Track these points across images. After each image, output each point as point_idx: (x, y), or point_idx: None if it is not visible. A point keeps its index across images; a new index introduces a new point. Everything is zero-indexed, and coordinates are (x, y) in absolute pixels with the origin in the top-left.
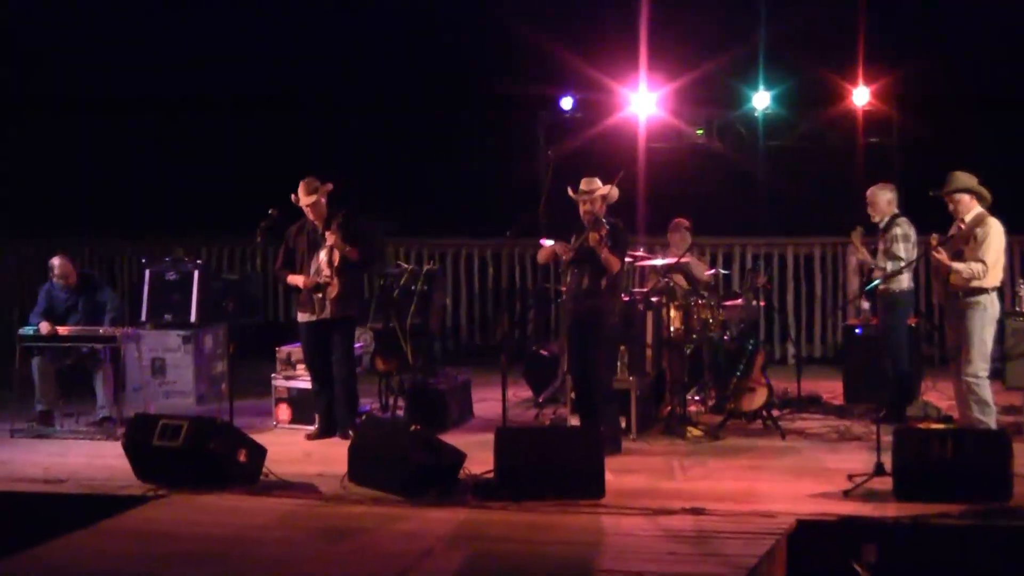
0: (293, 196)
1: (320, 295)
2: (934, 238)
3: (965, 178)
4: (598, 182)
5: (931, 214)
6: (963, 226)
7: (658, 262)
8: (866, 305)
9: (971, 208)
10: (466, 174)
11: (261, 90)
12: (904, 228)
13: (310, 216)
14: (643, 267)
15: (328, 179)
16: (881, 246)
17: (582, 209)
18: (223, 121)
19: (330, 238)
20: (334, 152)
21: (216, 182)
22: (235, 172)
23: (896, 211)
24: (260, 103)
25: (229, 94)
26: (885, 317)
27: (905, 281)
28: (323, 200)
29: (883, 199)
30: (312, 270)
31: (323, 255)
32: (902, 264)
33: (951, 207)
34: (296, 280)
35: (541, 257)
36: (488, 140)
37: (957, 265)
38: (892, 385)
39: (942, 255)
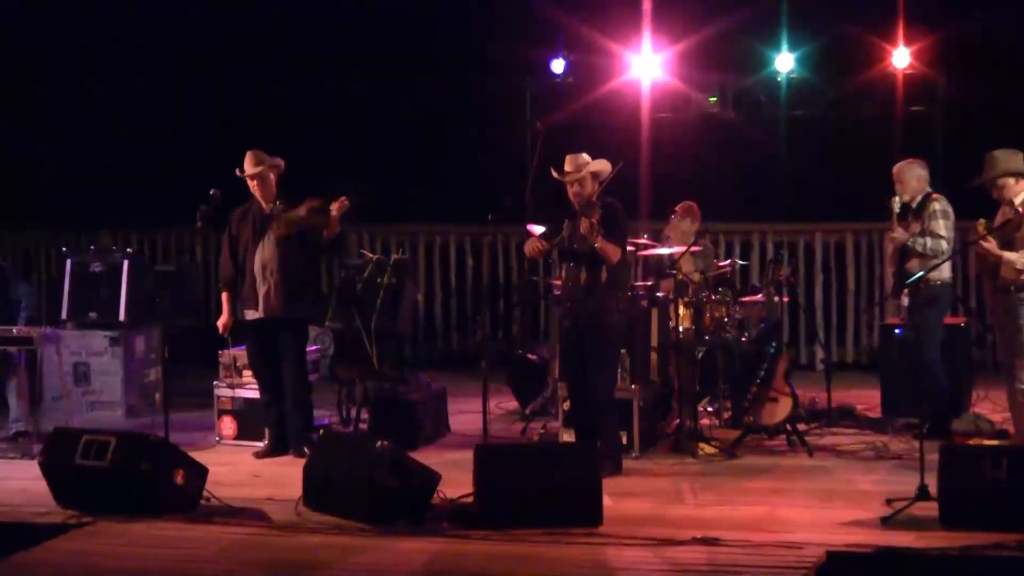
0: (237, 170)
1: (266, 289)
2: (980, 224)
3: (1006, 159)
4: (585, 157)
5: (976, 196)
6: (1018, 210)
7: (664, 251)
8: (907, 301)
9: (1019, 191)
10: (441, 149)
11: (201, 51)
12: (943, 204)
13: (256, 192)
14: (647, 257)
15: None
16: (916, 228)
17: (570, 191)
18: (156, 89)
19: (285, 227)
20: (286, 124)
21: (149, 160)
22: (171, 148)
23: (928, 188)
24: (198, 67)
25: (163, 56)
26: (922, 314)
27: (947, 270)
28: (272, 176)
29: (913, 175)
30: (257, 264)
31: (267, 244)
32: (944, 244)
33: (995, 192)
34: (224, 307)
35: (527, 248)
36: (466, 110)
37: (1009, 255)
38: (935, 395)
39: (991, 244)
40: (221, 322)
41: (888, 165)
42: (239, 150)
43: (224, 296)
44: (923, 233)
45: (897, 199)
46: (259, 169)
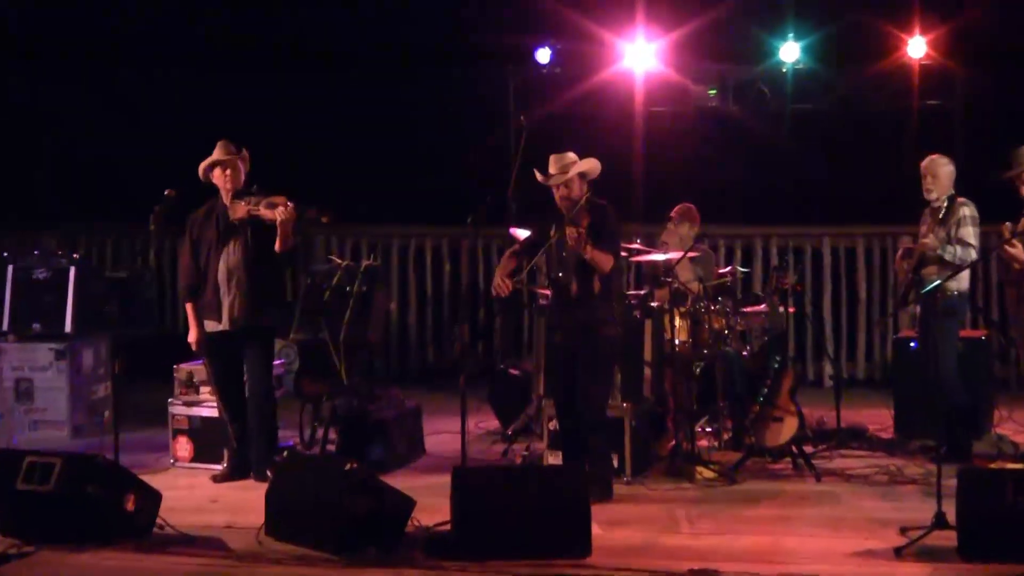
0: (203, 165)
1: (231, 299)
2: (1006, 228)
3: None
4: (571, 156)
5: (993, 198)
6: None
7: (659, 257)
8: (920, 312)
9: None
10: (416, 145)
11: (156, 38)
12: (971, 209)
13: (225, 183)
14: (640, 264)
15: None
16: (940, 232)
17: (556, 195)
18: (103, 78)
19: (240, 209)
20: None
21: (97, 155)
22: (122, 143)
23: (952, 190)
24: (152, 55)
25: (109, 42)
26: (937, 325)
27: (965, 280)
28: (242, 168)
29: (946, 172)
30: (221, 271)
31: (233, 250)
32: (973, 253)
33: (1022, 190)
34: (191, 324)
35: (496, 287)
36: (443, 103)
37: None
38: (953, 414)
39: (1017, 249)
40: (191, 338)
41: (902, 163)
42: (197, 145)
43: (189, 308)
44: (950, 240)
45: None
46: (231, 156)
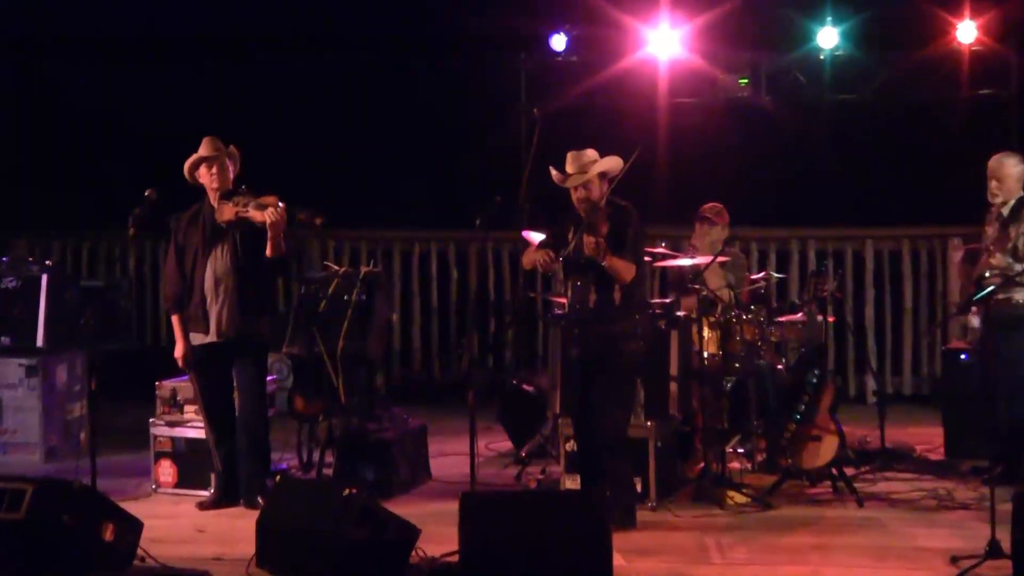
0: (187, 163)
1: (219, 309)
2: None
3: None
4: (591, 154)
5: None
6: None
7: (686, 262)
8: (976, 322)
9: None
10: (419, 141)
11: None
12: None
13: (212, 182)
14: (665, 270)
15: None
16: (1000, 238)
17: (574, 197)
18: (79, 75)
19: (228, 211)
20: (238, 113)
21: (72, 155)
22: (98, 142)
23: (1022, 191)
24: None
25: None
26: (1002, 340)
27: None
28: (230, 166)
29: (1012, 173)
30: (208, 279)
31: (222, 256)
32: None
33: None
34: (177, 338)
35: (526, 260)
36: (449, 95)
37: None
38: (1009, 433)
39: None
40: (178, 353)
41: (951, 160)
42: (178, 144)
43: (175, 320)
44: (1016, 250)
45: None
46: (217, 153)
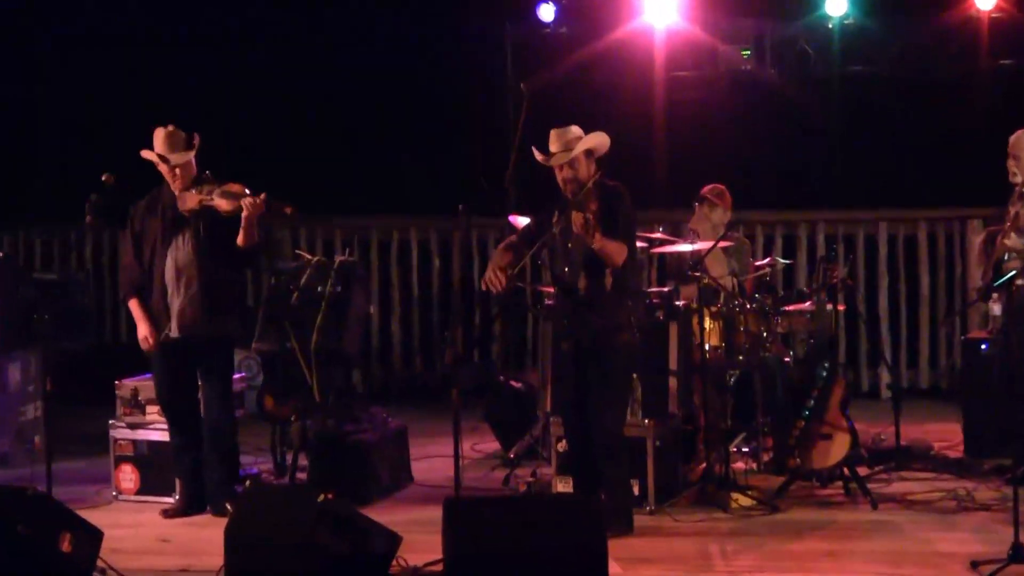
0: (146, 153)
1: (181, 302)
2: None
3: None
4: (576, 130)
5: None
6: None
7: (686, 248)
8: (998, 309)
9: None
10: (397, 120)
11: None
12: None
13: (172, 182)
14: (664, 256)
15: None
16: (1016, 217)
17: (559, 177)
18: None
19: (191, 198)
20: (198, 94)
21: (21, 139)
22: (50, 125)
23: None
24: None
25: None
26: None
27: None
28: (193, 161)
29: None
30: (169, 270)
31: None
32: None
33: None
34: (138, 321)
35: (488, 280)
36: (428, 69)
37: None
38: None
39: None
40: (142, 335)
41: (971, 136)
42: (139, 126)
43: (133, 304)
44: None
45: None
46: (183, 158)
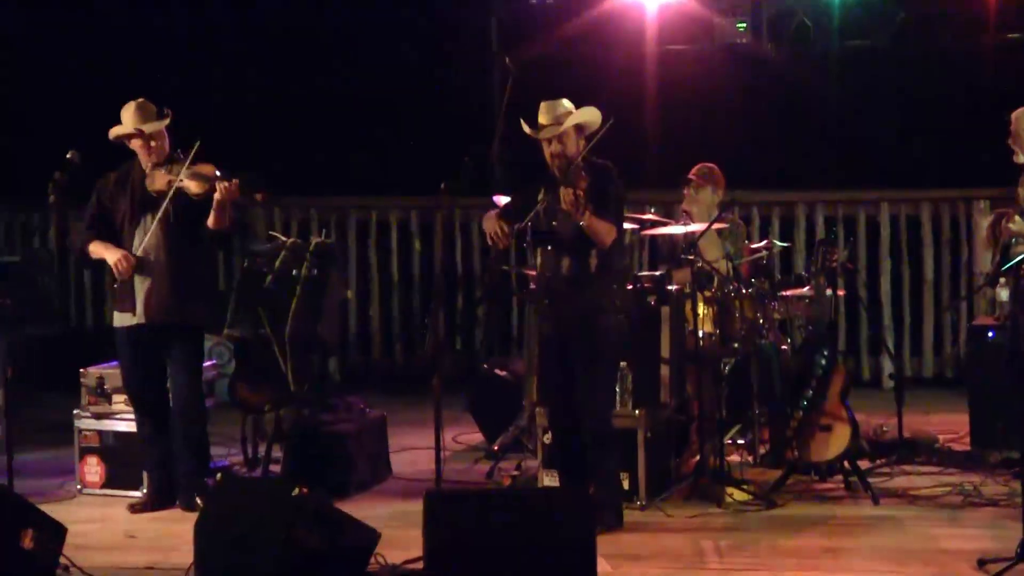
0: (116, 129)
1: (148, 287)
2: None
3: None
4: (566, 104)
5: None
6: None
7: (678, 230)
8: (1006, 295)
9: None
10: (376, 95)
11: None
12: None
13: (145, 157)
14: (655, 239)
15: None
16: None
17: (547, 151)
18: None
19: (160, 178)
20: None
21: None
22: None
23: None
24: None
25: None
26: None
27: None
28: (166, 134)
29: None
30: (135, 252)
31: (151, 227)
32: None
33: None
34: (106, 252)
35: (489, 228)
36: (409, 42)
37: None
38: None
39: None
40: (116, 258)
41: (975, 114)
42: (104, 100)
43: (95, 245)
44: None
45: None
46: (155, 126)
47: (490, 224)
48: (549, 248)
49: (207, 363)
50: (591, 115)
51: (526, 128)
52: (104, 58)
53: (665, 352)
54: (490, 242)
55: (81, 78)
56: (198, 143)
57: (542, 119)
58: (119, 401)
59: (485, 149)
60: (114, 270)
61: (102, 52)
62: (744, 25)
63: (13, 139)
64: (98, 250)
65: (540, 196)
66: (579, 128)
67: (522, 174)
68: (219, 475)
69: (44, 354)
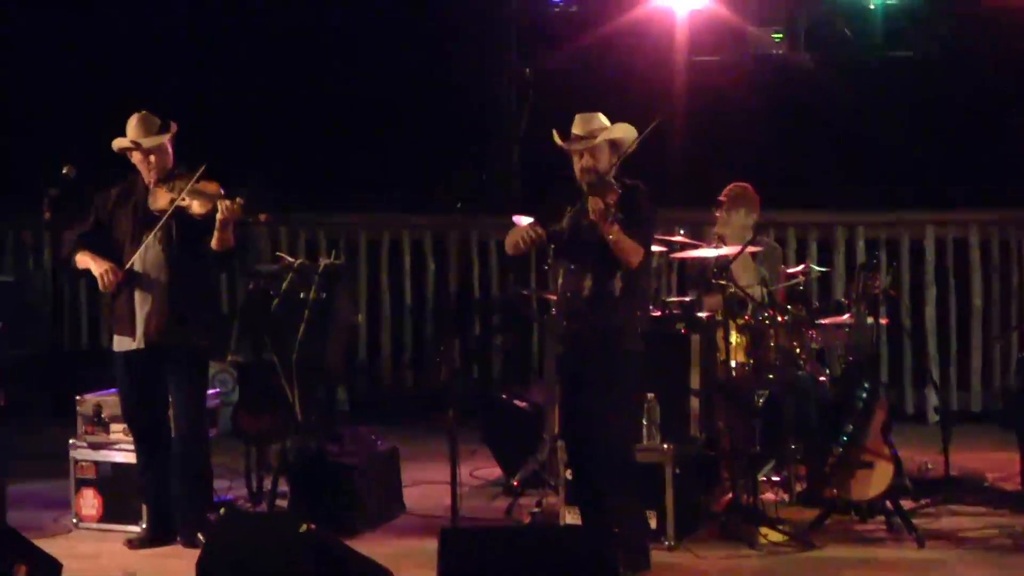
0: (118, 141)
1: (148, 310)
2: None
3: None
4: (602, 119)
5: None
6: None
7: (709, 253)
8: None
9: None
10: (388, 108)
11: None
12: None
13: (145, 171)
14: (685, 262)
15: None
16: None
17: (577, 165)
18: None
19: (163, 197)
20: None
21: None
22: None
23: None
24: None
25: None
26: None
27: None
28: (170, 147)
29: None
30: (139, 264)
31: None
32: None
33: None
34: (92, 263)
35: (510, 241)
36: (423, 51)
37: None
38: None
39: None
40: (102, 270)
41: None
42: (104, 114)
43: (82, 256)
44: None
45: None
46: (156, 141)
47: (521, 231)
48: (572, 267)
49: (210, 392)
50: (626, 132)
51: (557, 139)
52: (104, 60)
53: (695, 383)
54: (524, 245)
55: (79, 90)
56: (203, 167)
57: (576, 130)
58: (117, 430)
59: (504, 166)
60: (99, 282)
61: (102, 55)
62: (780, 35)
63: (5, 153)
64: (84, 260)
65: (567, 213)
66: (613, 144)
67: (543, 191)
68: (222, 509)
69: (37, 379)
